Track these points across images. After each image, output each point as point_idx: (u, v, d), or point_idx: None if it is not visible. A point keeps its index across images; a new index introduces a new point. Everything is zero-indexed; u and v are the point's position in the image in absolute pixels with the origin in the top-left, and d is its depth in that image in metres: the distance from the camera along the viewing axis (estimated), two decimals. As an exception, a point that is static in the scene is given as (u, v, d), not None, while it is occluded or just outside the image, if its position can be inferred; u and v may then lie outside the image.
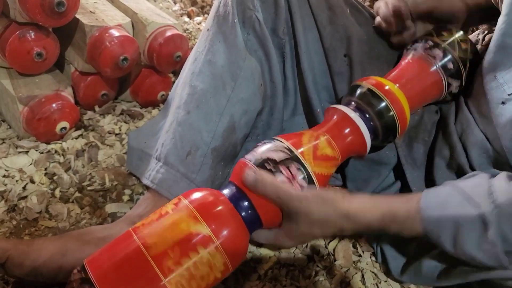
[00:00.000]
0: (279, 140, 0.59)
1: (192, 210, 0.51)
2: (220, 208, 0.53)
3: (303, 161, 0.57)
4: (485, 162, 0.65)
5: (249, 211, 0.55)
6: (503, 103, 0.60)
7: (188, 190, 0.56)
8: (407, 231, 0.54)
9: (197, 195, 0.54)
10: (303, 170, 0.56)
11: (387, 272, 0.71)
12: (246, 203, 0.56)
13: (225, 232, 0.51)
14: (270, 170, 0.56)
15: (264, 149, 0.58)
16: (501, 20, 0.60)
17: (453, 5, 0.72)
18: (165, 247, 0.48)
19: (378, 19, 0.75)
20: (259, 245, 0.71)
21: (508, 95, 0.59)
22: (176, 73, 1.12)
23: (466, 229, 0.50)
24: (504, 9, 0.59)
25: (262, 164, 0.56)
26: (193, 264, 0.48)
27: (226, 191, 0.57)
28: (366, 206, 0.55)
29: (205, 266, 0.49)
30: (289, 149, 0.57)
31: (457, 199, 0.51)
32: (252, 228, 0.57)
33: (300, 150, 0.57)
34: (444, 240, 0.51)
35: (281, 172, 0.56)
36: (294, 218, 0.56)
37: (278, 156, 0.57)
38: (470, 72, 0.71)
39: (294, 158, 0.57)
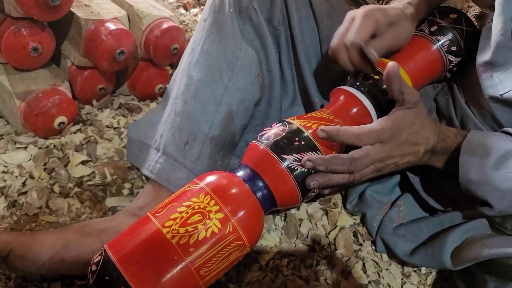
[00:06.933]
0: (289, 122, 0.59)
1: (208, 192, 0.53)
2: (235, 188, 0.54)
3: (314, 141, 0.57)
4: None
5: (264, 191, 0.57)
6: (497, 101, 0.61)
7: (187, 180, 0.57)
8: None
9: (212, 177, 0.55)
10: (314, 150, 0.57)
11: (392, 255, 0.72)
12: (260, 183, 0.57)
13: (241, 212, 0.52)
14: (283, 151, 0.56)
15: (275, 131, 0.58)
16: (495, 20, 0.60)
17: (403, 38, 0.68)
18: (184, 228, 0.49)
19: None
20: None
21: (500, 95, 0.60)
22: (174, 66, 1.12)
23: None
24: (497, 9, 0.59)
25: (275, 145, 0.57)
26: (212, 244, 0.50)
27: (240, 173, 0.58)
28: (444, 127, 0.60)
29: (224, 246, 0.50)
30: (300, 130, 0.58)
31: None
32: (267, 208, 0.58)
33: (310, 131, 0.58)
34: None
35: (293, 151, 0.56)
36: (395, 129, 0.56)
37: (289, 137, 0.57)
38: (468, 57, 0.71)
39: (305, 139, 0.57)
